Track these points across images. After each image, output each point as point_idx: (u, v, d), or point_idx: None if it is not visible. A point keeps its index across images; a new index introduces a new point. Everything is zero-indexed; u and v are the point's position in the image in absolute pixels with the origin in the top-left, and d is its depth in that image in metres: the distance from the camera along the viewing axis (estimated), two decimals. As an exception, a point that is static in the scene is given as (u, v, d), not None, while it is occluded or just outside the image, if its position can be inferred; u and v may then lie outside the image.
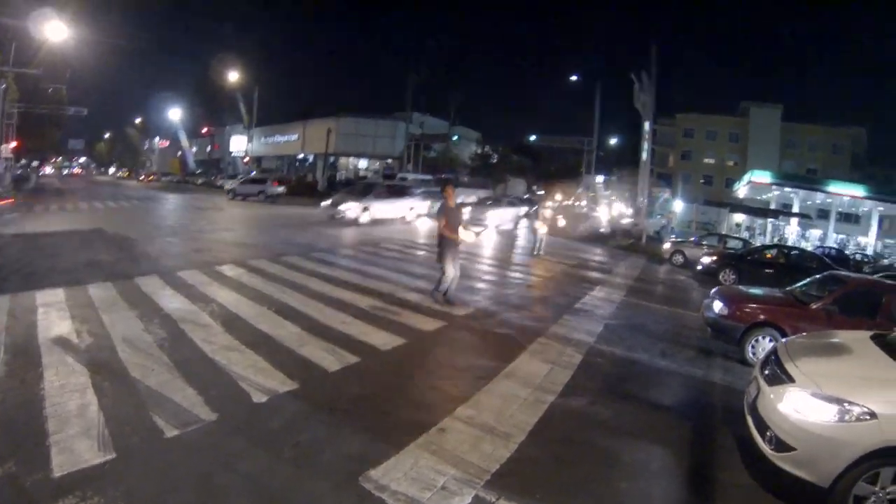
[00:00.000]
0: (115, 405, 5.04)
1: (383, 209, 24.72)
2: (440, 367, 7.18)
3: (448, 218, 9.72)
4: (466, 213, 21.62)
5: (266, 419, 5.09)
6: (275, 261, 12.99)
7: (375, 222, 24.26)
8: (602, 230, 34.30)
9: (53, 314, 7.67)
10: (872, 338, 5.68)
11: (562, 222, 29.50)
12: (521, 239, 24.49)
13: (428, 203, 26.66)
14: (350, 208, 23.19)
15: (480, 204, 32.45)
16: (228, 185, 46.58)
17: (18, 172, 51.52)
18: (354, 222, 23.20)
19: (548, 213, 20.35)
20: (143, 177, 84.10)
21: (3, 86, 35.30)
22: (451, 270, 9.80)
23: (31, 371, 5.67)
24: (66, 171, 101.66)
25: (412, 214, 25.73)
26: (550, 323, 9.77)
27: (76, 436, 4.42)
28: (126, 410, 4.97)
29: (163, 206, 32.64)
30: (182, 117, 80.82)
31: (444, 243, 9.77)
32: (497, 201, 34.33)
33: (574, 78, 49.21)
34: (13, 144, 40.87)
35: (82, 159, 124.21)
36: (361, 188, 26.94)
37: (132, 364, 6.02)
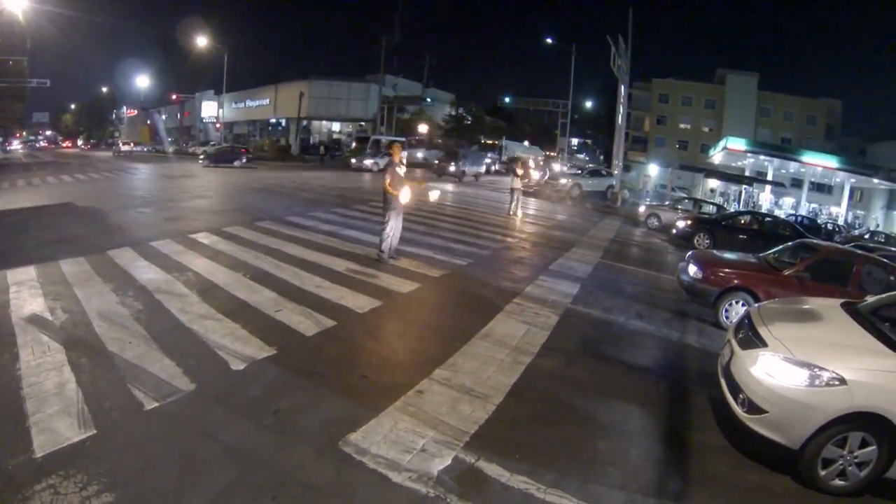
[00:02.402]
0: (93, 381, 4.98)
1: None
2: (417, 329, 7.21)
3: (392, 177, 9.95)
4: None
5: (245, 387, 5.09)
6: (249, 226, 12.84)
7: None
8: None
9: (26, 292, 7.46)
10: (843, 305, 5.81)
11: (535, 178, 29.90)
12: (492, 198, 24.51)
13: None
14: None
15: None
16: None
17: None
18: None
19: (522, 172, 20.18)
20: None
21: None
22: (391, 226, 10.08)
23: (5, 352, 5.54)
24: (34, 145, 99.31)
25: None
26: (526, 284, 9.84)
27: (56, 414, 4.37)
28: (104, 385, 4.92)
29: (133, 176, 31.92)
30: (150, 84, 78.93)
31: (387, 200, 10.04)
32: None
33: (549, 41, 48.81)
34: None
35: (48, 132, 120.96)
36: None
37: (108, 338, 5.94)
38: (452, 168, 36.43)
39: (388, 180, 9.94)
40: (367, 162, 37.21)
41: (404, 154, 10.56)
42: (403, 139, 45.12)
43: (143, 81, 77.29)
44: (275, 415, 4.64)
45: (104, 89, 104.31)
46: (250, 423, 4.49)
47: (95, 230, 12.15)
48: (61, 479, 3.60)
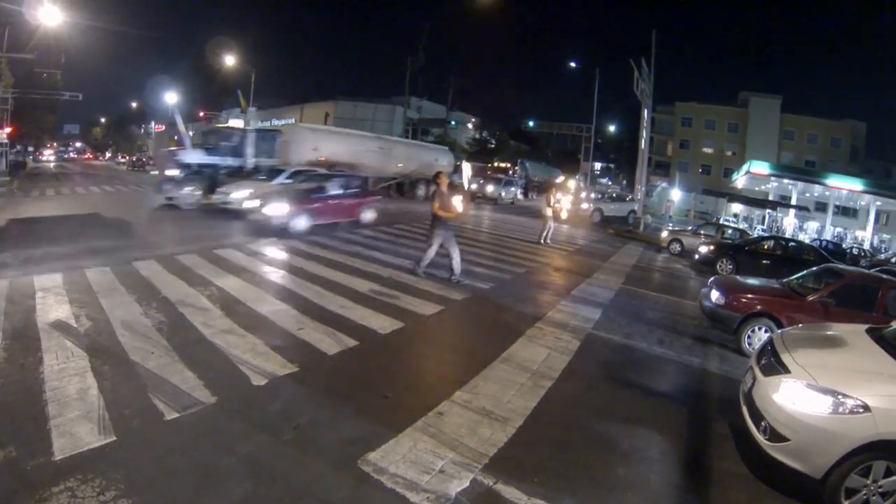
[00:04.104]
0: (114, 388, 5.06)
1: None
2: (438, 351, 7.24)
3: (441, 201, 10.64)
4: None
5: (265, 402, 5.13)
6: (273, 244, 12.96)
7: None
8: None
9: (52, 298, 7.65)
10: (868, 331, 5.71)
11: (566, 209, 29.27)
12: (525, 224, 24.51)
13: None
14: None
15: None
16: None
17: (14, 158, 50.71)
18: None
19: (555, 199, 19.94)
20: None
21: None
22: (434, 248, 10.83)
23: (30, 355, 5.68)
24: (63, 156, 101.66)
25: None
26: (548, 308, 9.81)
27: (76, 419, 4.45)
28: (126, 393, 4.99)
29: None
30: (178, 101, 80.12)
31: (435, 224, 10.73)
32: None
33: (573, 64, 48.90)
34: (8, 130, 40.49)
35: (77, 144, 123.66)
36: None
37: (131, 347, 6.04)
38: None
39: (437, 205, 10.63)
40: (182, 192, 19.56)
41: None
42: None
43: (171, 98, 78.60)
44: (294, 431, 4.67)
45: (133, 104, 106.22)
46: (270, 437, 4.52)
47: (121, 241, 12.38)
48: (79, 483, 3.67)
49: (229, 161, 22.79)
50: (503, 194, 39.41)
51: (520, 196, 44.79)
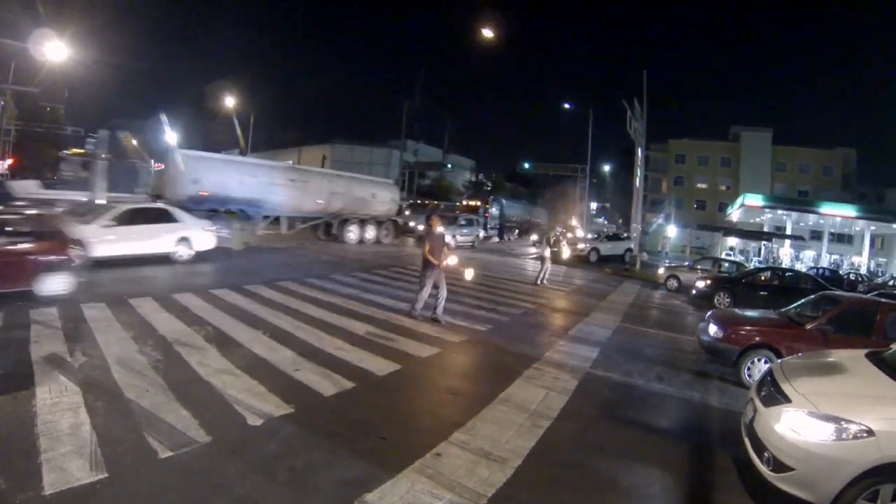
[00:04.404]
0: (108, 425, 5.00)
1: None
2: (435, 392, 7.16)
3: (431, 244, 10.64)
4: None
5: (261, 442, 5.05)
6: (270, 286, 12.91)
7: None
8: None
9: (47, 332, 7.63)
10: (867, 355, 5.70)
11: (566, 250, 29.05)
12: (518, 265, 24.54)
13: None
14: None
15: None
16: None
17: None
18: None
19: (553, 240, 19.94)
20: None
21: (2, 103, 35.23)
22: (427, 289, 10.73)
23: (23, 388, 5.62)
24: None
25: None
26: (546, 349, 9.76)
27: (68, 454, 4.38)
28: (119, 430, 4.93)
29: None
30: (178, 140, 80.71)
31: (426, 266, 10.73)
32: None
33: (567, 106, 49.50)
34: (9, 161, 40.73)
35: None
36: None
37: (126, 384, 5.98)
38: None
39: (427, 248, 10.62)
40: None
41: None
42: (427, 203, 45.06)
43: (171, 137, 79.36)
44: (290, 472, 4.59)
45: (134, 142, 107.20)
46: (265, 478, 4.44)
47: (117, 277, 12.35)
48: (68, 519, 3.58)
49: (71, 195, 19.33)
50: (457, 237, 33.08)
51: (494, 238, 44.25)
